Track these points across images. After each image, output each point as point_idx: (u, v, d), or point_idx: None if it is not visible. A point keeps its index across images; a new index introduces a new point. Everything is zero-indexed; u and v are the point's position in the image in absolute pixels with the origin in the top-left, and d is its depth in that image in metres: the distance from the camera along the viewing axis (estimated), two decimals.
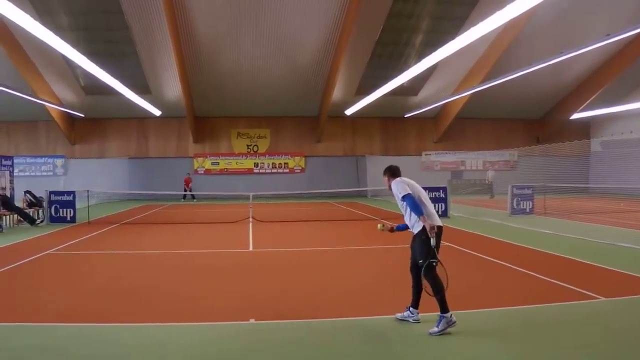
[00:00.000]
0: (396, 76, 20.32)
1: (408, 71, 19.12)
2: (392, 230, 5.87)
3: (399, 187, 5.37)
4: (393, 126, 31.10)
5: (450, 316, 5.03)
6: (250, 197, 17.97)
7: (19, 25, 12.29)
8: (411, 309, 5.42)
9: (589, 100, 27.65)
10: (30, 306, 6.20)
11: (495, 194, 25.94)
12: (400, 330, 5.21)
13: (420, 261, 5.19)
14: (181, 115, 28.06)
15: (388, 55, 24.46)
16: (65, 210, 15.86)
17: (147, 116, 27.93)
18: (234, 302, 6.35)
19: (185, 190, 27.59)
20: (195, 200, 28.08)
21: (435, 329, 5.00)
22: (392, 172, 5.65)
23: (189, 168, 29.52)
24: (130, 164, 29.24)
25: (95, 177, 25.29)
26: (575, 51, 13.90)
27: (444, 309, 5.04)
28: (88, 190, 17.40)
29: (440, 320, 5.02)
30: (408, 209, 5.36)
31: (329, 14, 20.57)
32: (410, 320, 5.37)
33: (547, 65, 15.47)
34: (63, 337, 5.04)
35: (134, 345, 4.85)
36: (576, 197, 23.63)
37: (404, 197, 5.28)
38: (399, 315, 5.48)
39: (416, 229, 5.31)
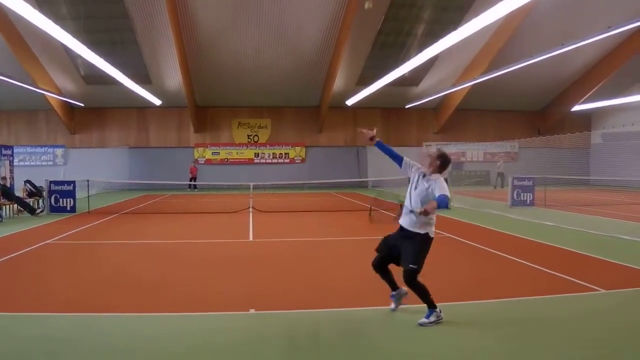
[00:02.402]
0: (397, 66, 20.23)
1: (409, 62, 19.04)
2: (372, 136, 5.34)
3: (444, 186, 4.90)
4: (394, 117, 30.99)
5: (440, 312, 5.05)
6: (251, 187, 17.95)
7: (19, 15, 12.21)
8: (393, 292, 5.43)
9: (591, 92, 27.55)
10: (32, 296, 6.22)
11: (504, 185, 25.73)
12: (400, 321, 5.22)
13: (411, 265, 4.91)
14: (182, 105, 27.99)
15: (389, 46, 24.34)
16: (65, 200, 15.86)
17: (147, 106, 27.87)
18: (233, 292, 6.37)
19: (191, 180, 27.54)
20: (195, 190, 28.07)
21: (425, 320, 5.01)
22: (443, 164, 5.06)
23: (192, 157, 29.54)
24: (130, 154, 29.24)
25: (95, 167, 25.28)
26: (577, 43, 13.86)
27: (431, 306, 5.04)
28: (88, 180, 17.33)
29: (431, 313, 5.03)
30: (419, 200, 4.97)
31: (331, 2, 20.44)
32: (402, 296, 5.40)
33: (549, 56, 15.42)
34: (67, 328, 5.06)
35: (135, 335, 4.88)
36: (576, 189, 23.63)
37: (443, 196, 4.74)
38: (392, 306, 5.48)
39: (417, 228, 4.99)
